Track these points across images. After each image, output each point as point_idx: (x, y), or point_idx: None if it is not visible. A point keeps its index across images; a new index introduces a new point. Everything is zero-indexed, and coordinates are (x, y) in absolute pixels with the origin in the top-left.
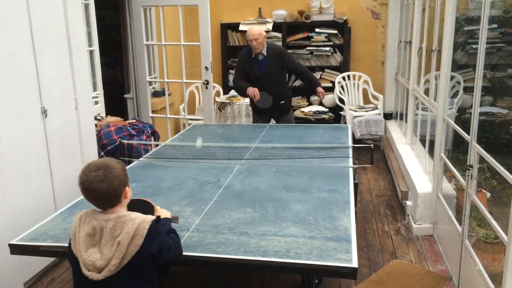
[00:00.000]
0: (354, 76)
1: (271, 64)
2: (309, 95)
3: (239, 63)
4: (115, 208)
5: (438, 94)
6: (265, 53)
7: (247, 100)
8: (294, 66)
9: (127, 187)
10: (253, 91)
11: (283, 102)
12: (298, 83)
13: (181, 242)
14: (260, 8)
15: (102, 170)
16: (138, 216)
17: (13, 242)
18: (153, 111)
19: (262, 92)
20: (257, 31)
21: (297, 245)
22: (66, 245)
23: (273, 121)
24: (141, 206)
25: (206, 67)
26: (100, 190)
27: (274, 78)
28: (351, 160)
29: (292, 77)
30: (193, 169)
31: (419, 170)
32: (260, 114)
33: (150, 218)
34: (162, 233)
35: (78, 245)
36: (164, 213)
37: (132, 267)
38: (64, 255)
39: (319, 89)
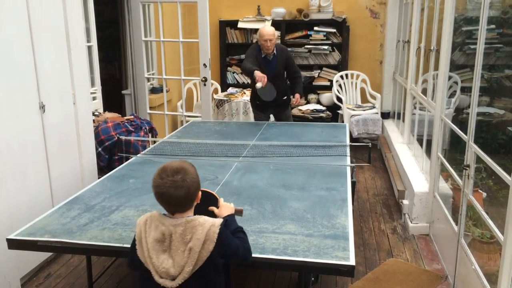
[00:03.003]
0: (352, 75)
1: (280, 64)
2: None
3: (251, 51)
4: (185, 212)
5: (435, 94)
6: (275, 53)
7: (245, 98)
8: (292, 70)
9: (200, 192)
10: (260, 76)
11: (285, 97)
12: None
13: None
14: (259, 6)
15: (180, 175)
16: (207, 220)
17: (11, 236)
18: (151, 108)
19: (269, 83)
20: (271, 31)
21: (294, 242)
22: (64, 240)
23: (271, 118)
24: (205, 198)
25: (204, 64)
26: (178, 195)
27: (280, 77)
28: (348, 158)
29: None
30: None
31: (416, 170)
32: (261, 109)
33: (218, 221)
34: (230, 236)
35: (147, 251)
36: (227, 207)
37: (202, 272)
38: (62, 250)
39: (297, 96)
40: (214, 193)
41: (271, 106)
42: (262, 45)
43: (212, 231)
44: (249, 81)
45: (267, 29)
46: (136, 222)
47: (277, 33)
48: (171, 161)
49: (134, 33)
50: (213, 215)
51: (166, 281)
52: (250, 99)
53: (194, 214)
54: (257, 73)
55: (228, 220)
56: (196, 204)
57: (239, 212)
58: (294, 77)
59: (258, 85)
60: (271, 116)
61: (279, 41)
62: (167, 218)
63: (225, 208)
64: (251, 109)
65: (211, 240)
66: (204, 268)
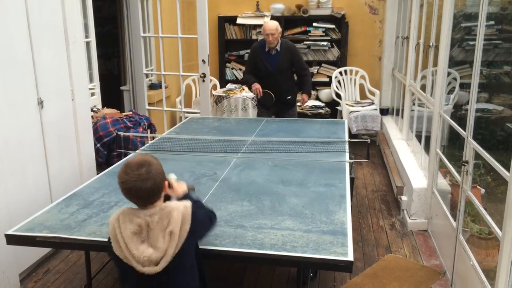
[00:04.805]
0: (351, 71)
1: (283, 60)
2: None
3: (250, 55)
4: (156, 203)
5: (434, 90)
6: (278, 49)
7: (244, 94)
8: (299, 68)
9: (166, 181)
10: (255, 89)
11: (289, 97)
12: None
13: None
14: (258, 2)
15: (145, 168)
16: (178, 204)
17: (9, 232)
18: (149, 104)
19: (264, 91)
20: (273, 25)
21: (293, 238)
22: (62, 235)
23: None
24: None
25: (203, 60)
26: (145, 188)
27: (284, 74)
28: (347, 154)
29: None
30: (190, 162)
31: (414, 166)
32: (267, 107)
33: (188, 203)
34: (199, 212)
35: (124, 245)
36: (181, 185)
37: (182, 252)
38: (60, 246)
39: (304, 96)
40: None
41: (275, 105)
42: (265, 39)
43: (186, 213)
44: None
45: (269, 24)
46: (109, 223)
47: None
48: (133, 156)
49: (132, 29)
50: (169, 198)
51: (150, 268)
52: (256, 97)
53: None
54: (253, 87)
55: (189, 198)
56: None
57: (191, 189)
58: (302, 74)
59: (258, 97)
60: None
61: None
62: (141, 210)
63: (179, 186)
64: (250, 105)
65: (187, 221)
66: (182, 248)
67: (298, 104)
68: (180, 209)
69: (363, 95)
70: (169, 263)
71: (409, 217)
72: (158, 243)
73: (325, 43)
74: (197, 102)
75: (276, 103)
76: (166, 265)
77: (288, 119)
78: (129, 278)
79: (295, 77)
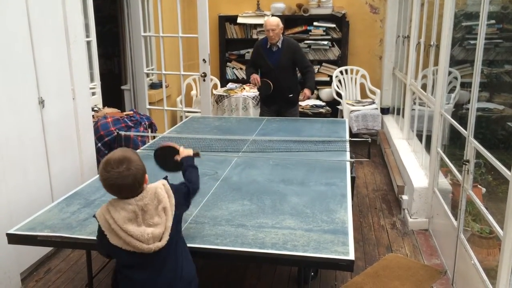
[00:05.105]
0: (351, 70)
1: (284, 57)
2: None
3: (253, 51)
4: (139, 191)
5: (435, 89)
6: (280, 46)
7: (244, 93)
8: (302, 65)
9: (146, 174)
10: (253, 78)
11: (291, 95)
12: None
13: None
14: (258, 1)
15: (125, 165)
16: (156, 184)
17: (11, 231)
18: (150, 103)
19: (262, 79)
20: (274, 22)
21: (294, 237)
22: (64, 235)
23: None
24: (169, 151)
25: (204, 60)
26: (126, 184)
27: (285, 71)
28: (348, 154)
29: None
30: None
31: (415, 165)
32: (268, 105)
33: (162, 181)
34: (177, 185)
35: (123, 232)
36: (187, 151)
37: (173, 226)
38: (62, 245)
39: (306, 90)
40: (173, 144)
41: (276, 102)
42: (266, 35)
43: (167, 188)
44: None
45: (270, 20)
46: (97, 217)
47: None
48: (112, 152)
49: (133, 28)
50: (178, 163)
51: (155, 244)
52: (259, 95)
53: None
54: (251, 78)
55: (189, 160)
56: (163, 158)
57: (196, 154)
58: (305, 71)
59: (257, 88)
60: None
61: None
62: (128, 199)
63: (186, 152)
64: (250, 104)
65: (171, 195)
66: (173, 223)
67: (300, 104)
68: (161, 187)
69: (363, 94)
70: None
71: (410, 216)
72: (155, 221)
73: (325, 42)
74: (198, 102)
75: (277, 100)
76: (168, 238)
77: (289, 118)
78: (129, 266)
79: (299, 76)
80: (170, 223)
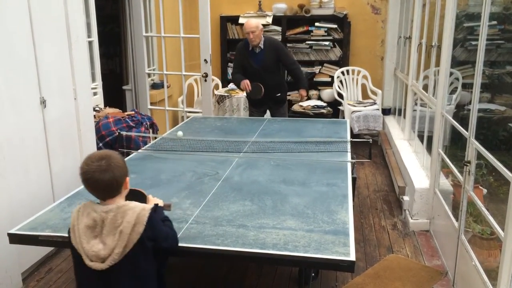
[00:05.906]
0: (353, 71)
1: (268, 57)
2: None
3: (236, 56)
4: (115, 198)
5: (437, 90)
6: (262, 46)
7: (245, 94)
8: (287, 62)
9: (127, 178)
10: (243, 84)
11: (279, 94)
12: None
13: (180, 233)
14: (260, 1)
15: (105, 160)
16: (137, 205)
17: (12, 231)
18: (151, 103)
19: (253, 83)
20: (254, 24)
21: (295, 238)
22: (65, 235)
23: (267, 114)
24: (133, 195)
25: (205, 60)
26: (103, 180)
27: (270, 71)
28: (349, 154)
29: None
30: (192, 162)
31: (416, 166)
32: (256, 106)
33: (148, 206)
34: (160, 222)
35: (78, 237)
36: (156, 201)
37: (132, 256)
38: (63, 245)
39: (301, 91)
40: (142, 190)
41: (265, 103)
42: (247, 38)
43: (142, 215)
44: None
45: (249, 22)
46: (72, 212)
47: (278, 28)
48: (97, 150)
49: (135, 28)
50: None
51: (96, 264)
52: (246, 97)
53: None
54: (241, 84)
55: (157, 209)
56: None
57: (167, 207)
58: (291, 69)
59: (247, 92)
60: (268, 112)
61: (280, 37)
62: (99, 205)
63: (154, 201)
64: None
65: (141, 223)
66: (134, 252)
67: (315, 93)
68: (136, 210)
69: (365, 95)
70: (117, 263)
71: (411, 217)
72: (108, 240)
73: (327, 42)
74: (199, 102)
75: (266, 101)
76: (112, 264)
77: (290, 119)
78: (80, 270)
79: (286, 75)
80: (119, 250)
